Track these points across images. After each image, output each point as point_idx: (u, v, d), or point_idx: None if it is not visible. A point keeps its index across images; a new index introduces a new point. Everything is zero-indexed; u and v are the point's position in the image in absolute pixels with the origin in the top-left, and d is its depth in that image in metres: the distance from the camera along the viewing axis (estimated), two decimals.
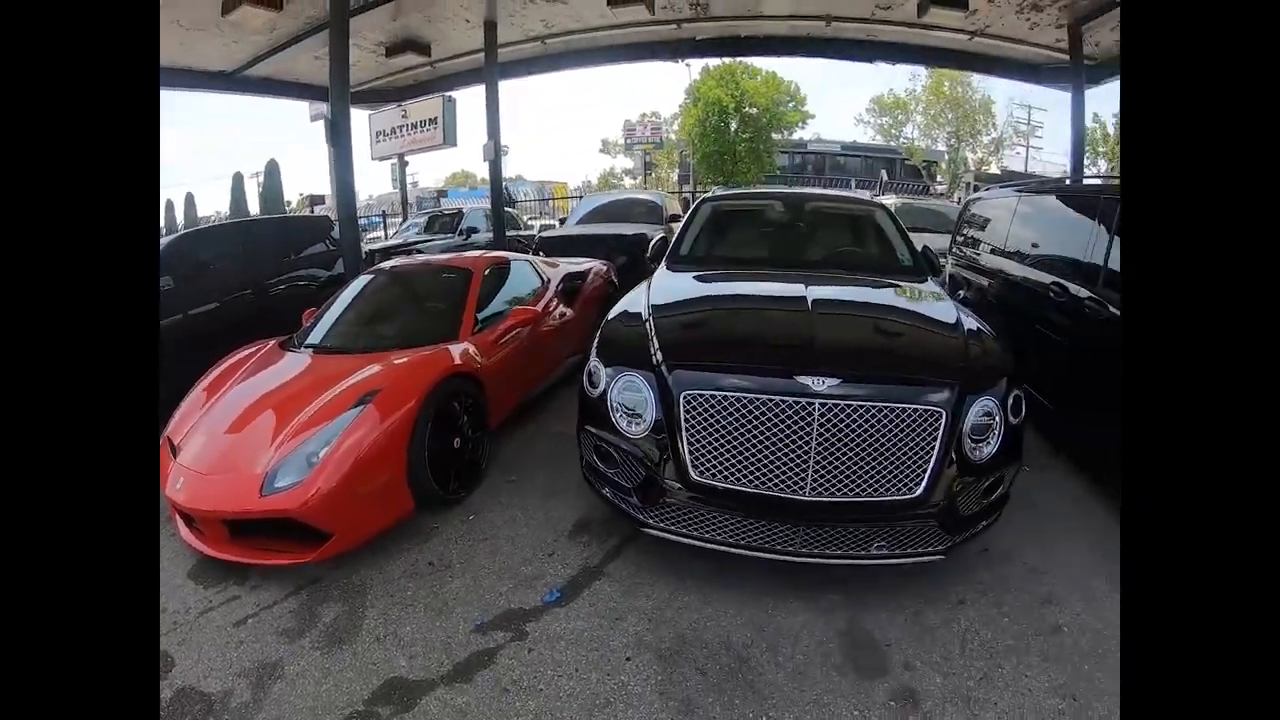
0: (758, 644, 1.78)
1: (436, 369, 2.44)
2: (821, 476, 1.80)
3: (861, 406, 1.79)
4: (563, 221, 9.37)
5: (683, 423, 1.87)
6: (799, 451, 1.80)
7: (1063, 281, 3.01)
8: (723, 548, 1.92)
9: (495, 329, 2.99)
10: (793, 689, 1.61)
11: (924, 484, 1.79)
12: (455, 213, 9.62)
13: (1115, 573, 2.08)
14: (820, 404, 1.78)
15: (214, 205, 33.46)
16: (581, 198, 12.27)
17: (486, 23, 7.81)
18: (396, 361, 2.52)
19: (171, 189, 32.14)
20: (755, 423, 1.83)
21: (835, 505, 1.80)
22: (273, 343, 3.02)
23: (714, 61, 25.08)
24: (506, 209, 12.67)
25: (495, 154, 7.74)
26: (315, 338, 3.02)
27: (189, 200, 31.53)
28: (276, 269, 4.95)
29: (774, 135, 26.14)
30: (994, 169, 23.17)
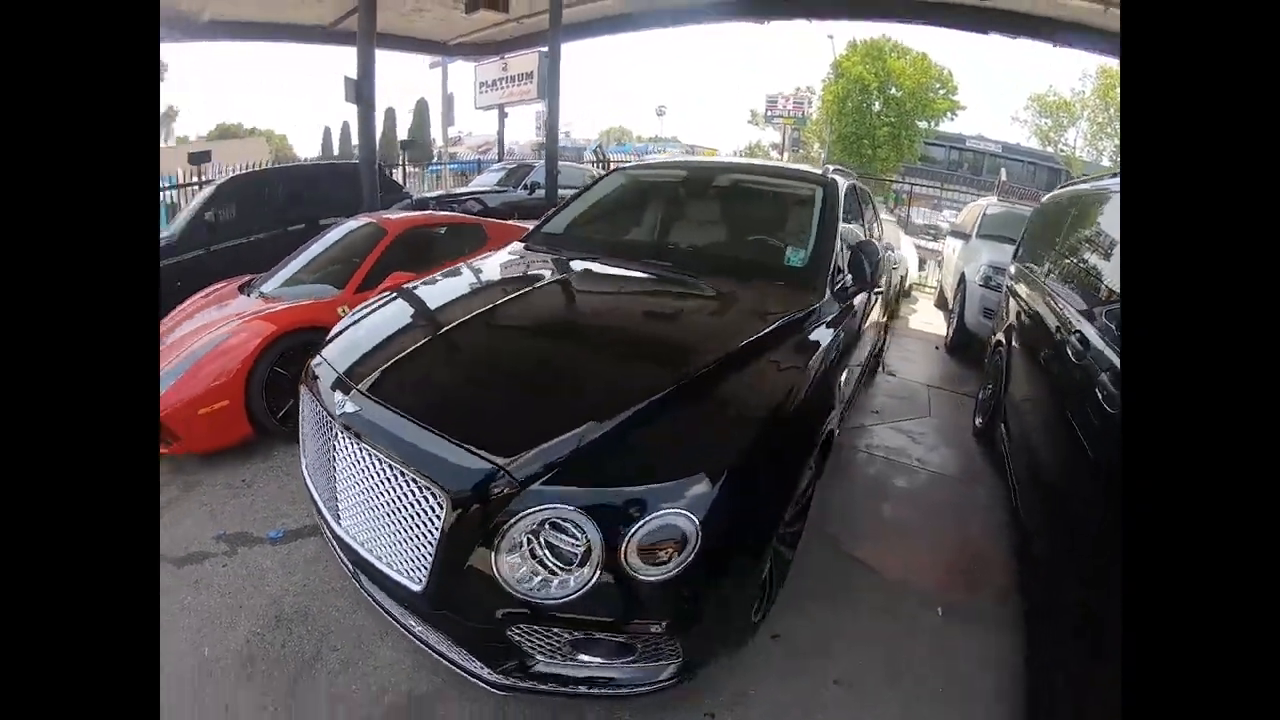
0: (352, 651, 1.75)
1: (282, 321, 2.86)
2: (346, 514, 1.54)
3: (366, 447, 1.42)
4: None
5: (300, 411, 1.83)
6: (328, 475, 1.58)
7: (1084, 330, 2.03)
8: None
9: (373, 291, 3.15)
10: (326, 714, 1.58)
11: (424, 579, 1.34)
12: (528, 168, 10.05)
13: None
14: (339, 428, 1.49)
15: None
16: None
17: None
18: (268, 311, 2.98)
19: (334, 119, 36.76)
20: (311, 428, 1.70)
21: (356, 553, 1.51)
22: (235, 283, 3.63)
23: (861, 35, 23.33)
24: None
25: (552, 118, 8.03)
26: (264, 282, 3.56)
27: (345, 130, 36.06)
28: (331, 209, 5.80)
29: (920, 124, 23.80)
30: None
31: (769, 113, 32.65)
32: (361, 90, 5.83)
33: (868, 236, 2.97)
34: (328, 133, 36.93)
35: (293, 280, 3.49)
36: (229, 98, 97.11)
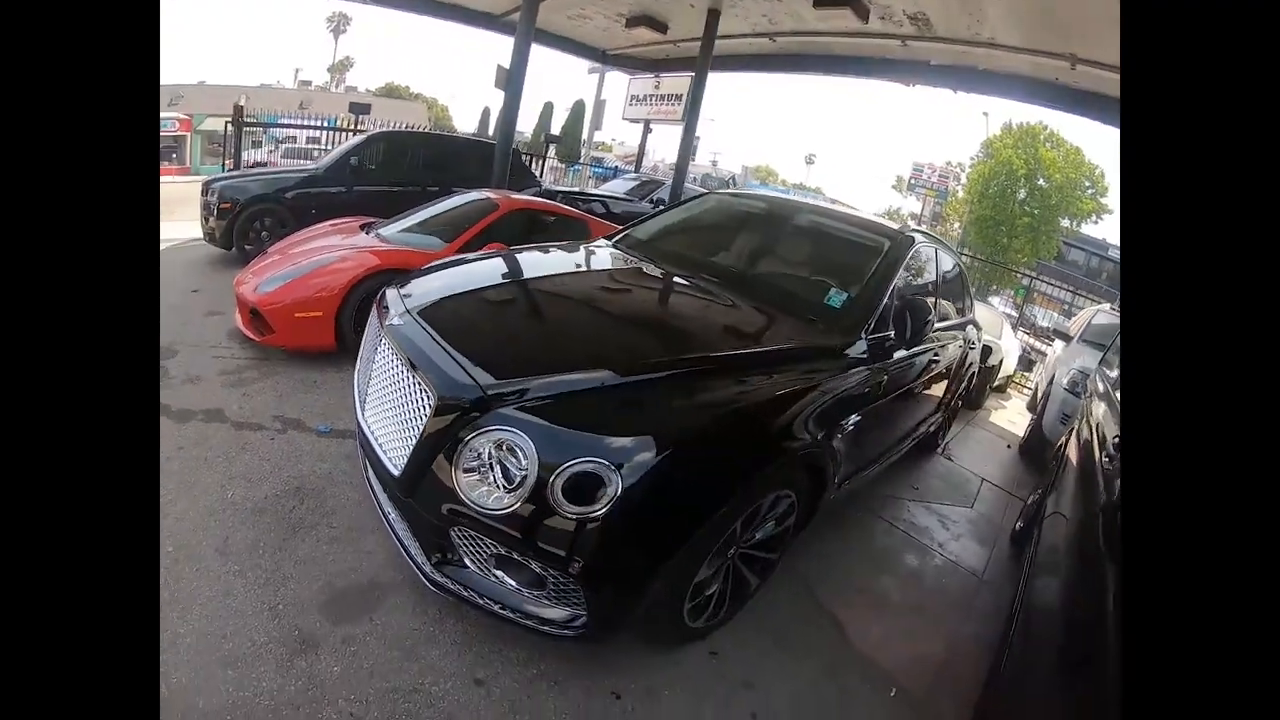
0: (344, 532, 1.98)
1: (386, 259, 3.28)
2: (369, 405, 1.81)
3: (397, 352, 1.70)
4: None
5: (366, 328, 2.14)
6: (367, 374, 1.87)
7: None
8: None
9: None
10: (299, 568, 1.81)
11: (403, 464, 1.57)
12: (657, 184, 10.42)
13: None
14: (384, 337, 1.80)
15: (524, 125, 40.16)
16: None
17: (710, 10, 8.00)
18: (378, 248, 3.41)
19: (497, 101, 39.53)
20: (368, 339, 1.98)
21: (367, 440, 1.75)
22: (359, 221, 4.16)
23: (1018, 116, 22.28)
24: None
25: (686, 140, 8.30)
26: (384, 226, 4.04)
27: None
28: (464, 180, 6.34)
29: (1063, 221, 22.14)
30: None
31: (913, 180, 31.67)
32: (512, 79, 6.34)
33: (935, 305, 2.91)
34: (486, 112, 39.38)
35: (408, 230, 3.95)
36: (406, 61, 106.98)
